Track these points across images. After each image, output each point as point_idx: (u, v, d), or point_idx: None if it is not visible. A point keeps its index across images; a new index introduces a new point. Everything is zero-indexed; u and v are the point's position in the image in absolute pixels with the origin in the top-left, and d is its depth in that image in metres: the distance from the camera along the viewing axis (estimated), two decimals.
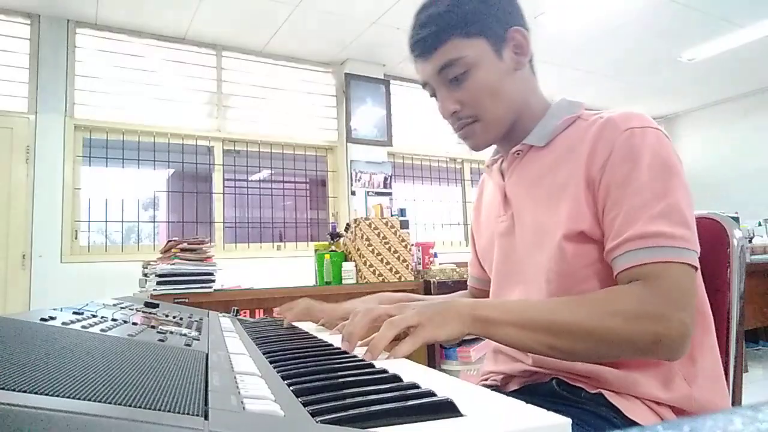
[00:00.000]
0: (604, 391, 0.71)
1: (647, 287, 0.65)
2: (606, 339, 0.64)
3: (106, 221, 3.75)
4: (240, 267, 3.72)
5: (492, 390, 0.85)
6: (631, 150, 0.70)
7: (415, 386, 0.41)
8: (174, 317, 0.85)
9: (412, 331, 0.62)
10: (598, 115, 0.78)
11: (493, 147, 0.94)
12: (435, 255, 3.17)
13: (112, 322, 0.63)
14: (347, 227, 2.99)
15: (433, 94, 0.86)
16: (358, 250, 2.81)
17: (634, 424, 0.68)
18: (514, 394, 0.82)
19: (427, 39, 0.81)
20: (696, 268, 0.67)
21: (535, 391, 0.79)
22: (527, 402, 0.37)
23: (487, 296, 0.95)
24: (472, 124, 0.83)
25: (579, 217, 0.73)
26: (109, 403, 0.28)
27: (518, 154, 0.85)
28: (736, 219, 4.05)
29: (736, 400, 0.80)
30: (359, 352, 0.62)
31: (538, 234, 0.78)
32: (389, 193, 4.65)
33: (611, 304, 0.66)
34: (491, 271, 0.93)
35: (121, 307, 0.86)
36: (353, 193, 4.49)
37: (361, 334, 0.66)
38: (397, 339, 0.64)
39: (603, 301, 0.66)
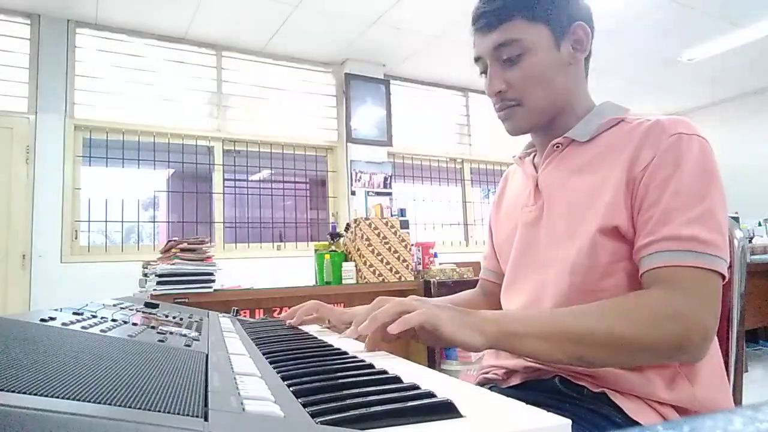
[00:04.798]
0: (607, 390, 0.71)
1: (671, 291, 0.65)
2: (632, 346, 0.64)
3: (106, 221, 3.75)
4: (240, 267, 3.72)
5: (493, 384, 0.85)
6: (676, 154, 0.70)
7: (415, 387, 0.41)
8: (174, 317, 0.85)
9: (428, 323, 0.61)
10: (644, 118, 0.78)
11: (526, 140, 0.94)
12: (435, 255, 3.17)
13: (112, 323, 0.63)
14: (347, 227, 2.98)
15: (483, 71, 0.86)
16: (358, 250, 2.81)
17: (636, 424, 0.68)
18: (516, 389, 0.81)
19: (491, 14, 0.81)
20: (723, 277, 0.67)
21: (537, 387, 0.78)
22: (529, 398, 0.37)
23: (500, 290, 0.95)
24: (514, 107, 0.83)
25: (616, 213, 0.73)
26: (109, 404, 0.28)
27: (558, 146, 0.85)
28: (736, 219, 4.05)
29: (736, 400, 0.80)
30: (356, 351, 0.62)
31: (571, 225, 0.78)
32: (389, 193, 4.65)
33: (636, 310, 0.65)
34: (506, 264, 0.92)
35: (121, 308, 0.86)
36: (353, 193, 4.49)
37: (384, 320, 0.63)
38: (401, 341, 0.64)
39: (627, 308, 0.66)
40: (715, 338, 0.76)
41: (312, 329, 0.98)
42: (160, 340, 0.55)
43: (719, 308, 0.67)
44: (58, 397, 0.27)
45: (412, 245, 3.04)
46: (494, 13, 0.80)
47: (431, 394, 0.38)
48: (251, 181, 4.55)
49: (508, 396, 0.40)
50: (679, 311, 0.64)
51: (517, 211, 0.90)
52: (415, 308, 0.62)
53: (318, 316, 1.00)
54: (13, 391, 0.27)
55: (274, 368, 0.50)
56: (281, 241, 4.34)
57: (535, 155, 0.92)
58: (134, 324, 0.67)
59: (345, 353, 0.61)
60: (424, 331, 0.62)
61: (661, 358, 0.67)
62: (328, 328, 1.00)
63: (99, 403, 0.27)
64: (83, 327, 0.55)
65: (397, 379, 0.44)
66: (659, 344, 0.64)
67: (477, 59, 0.86)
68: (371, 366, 0.51)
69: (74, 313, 0.67)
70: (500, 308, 0.95)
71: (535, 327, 0.64)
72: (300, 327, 0.98)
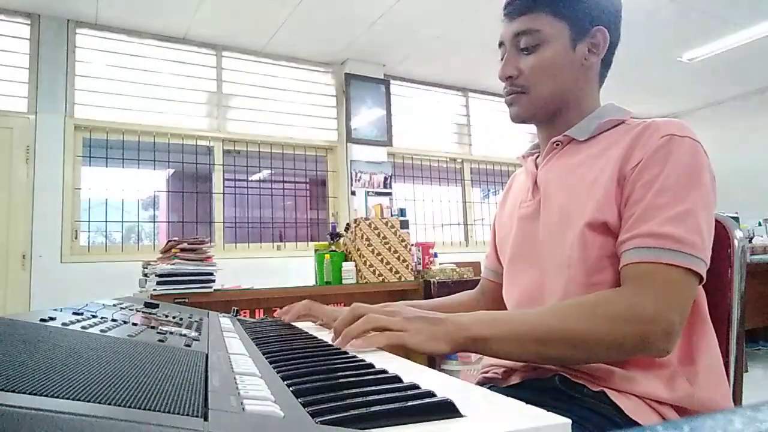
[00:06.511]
0: (606, 390, 0.71)
1: (640, 287, 0.67)
2: (594, 344, 0.66)
3: (106, 221, 3.75)
4: (240, 267, 3.72)
5: (493, 383, 0.86)
6: (665, 154, 0.71)
7: (415, 387, 0.41)
8: (174, 317, 0.85)
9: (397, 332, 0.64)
10: (643, 120, 0.79)
11: (528, 139, 0.95)
12: (435, 255, 3.17)
13: (112, 323, 0.63)
14: (347, 227, 2.99)
15: (503, 57, 0.89)
16: (358, 250, 2.81)
17: (635, 423, 0.68)
18: (516, 388, 0.82)
19: (519, 3, 0.85)
20: (699, 276, 0.68)
21: (536, 386, 0.79)
22: (529, 397, 0.37)
23: (499, 289, 0.96)
24: (519, 94, 0.86)
25: (605, 209, 0.74)
26: (109, 404, 0.28)
27: (558, 144, 0.87)
28: (736, 219, 4.05)
29: (736, 400, 0.80)
30: (356, 350, 0.63)
31: (563, 220, 0.80)
32: (389, 193, 4.64)
33: (600, 308, 0.67)
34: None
35: (121, 308, 0.86)
36: (353, 193, 4.49)
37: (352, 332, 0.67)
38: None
39: (592, 307, 0.68)
40: (715, 338, 0.76)
41: (310, 327, 0.98)
42: (160, 340, 0.55)
43: (688, 306, 0.68)
44: (58, 397, 0.27)
45: (412, 245, 3.04)
46: (522, 2, 0.84)
47: (431, 394, 0.38)
48: (251, 181, 4.55)
49: (508, 395, 0.40)
50: (641, 308, 0.65)
51: (517, 206, 0.93)
52: (385, 325, 0.64)
53: (310, 314, 1.02)
54: (13, 391, 0.27)
55: (274, 368, 0.50)
56: (281, 241, 4.34)
57: (538, 155, 0.94)
58: (134, 324, 0.67)
59: (345, 353, 0.61)
60: (393, 346, 0.64)
61: (623, 354, 0.69)
62: (321, 325, 1.02)
63: (99, 403, 0.27)
64: (83, 327, 0.55)
65: (396, 379, 0.45)
66: (618, 341, 0.65)
67: (500, 44, 0.89)
68: (371, 366, 0.51)
69: (74, 313, 0.67)
70: (501, 306, 0.96)
71: (503, 329, 0.66)
72: (296, 325, 1.00)
